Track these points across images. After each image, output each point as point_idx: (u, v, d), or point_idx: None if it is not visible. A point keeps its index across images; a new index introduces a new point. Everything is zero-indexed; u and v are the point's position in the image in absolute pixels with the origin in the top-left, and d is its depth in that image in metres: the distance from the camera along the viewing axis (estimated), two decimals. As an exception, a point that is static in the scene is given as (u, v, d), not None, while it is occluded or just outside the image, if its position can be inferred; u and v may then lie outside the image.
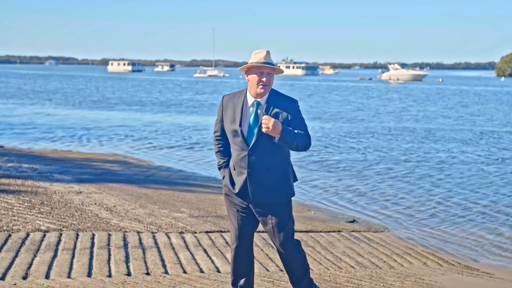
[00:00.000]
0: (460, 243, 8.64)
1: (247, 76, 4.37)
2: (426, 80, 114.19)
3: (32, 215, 7.34)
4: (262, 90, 4.31)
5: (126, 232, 6.98)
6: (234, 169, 4.42)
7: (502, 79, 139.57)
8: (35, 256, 5.79)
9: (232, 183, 4.44)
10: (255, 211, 4.43)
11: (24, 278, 5.18)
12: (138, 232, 7.05)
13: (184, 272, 5.76)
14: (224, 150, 4.56)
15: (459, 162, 16.05)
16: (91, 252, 6.06)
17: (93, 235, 6.71)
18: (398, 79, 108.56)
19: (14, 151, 15.06)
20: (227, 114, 4.42)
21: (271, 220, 4.41)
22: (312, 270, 6.27)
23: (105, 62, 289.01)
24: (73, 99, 42.93)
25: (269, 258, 6.52)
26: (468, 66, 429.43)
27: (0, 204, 7.77)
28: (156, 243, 6.65)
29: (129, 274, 5.53)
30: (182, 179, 12.37)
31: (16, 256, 5.72)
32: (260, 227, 4.28)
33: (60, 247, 6.15)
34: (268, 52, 4.33)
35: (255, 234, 7.31)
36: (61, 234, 6.60)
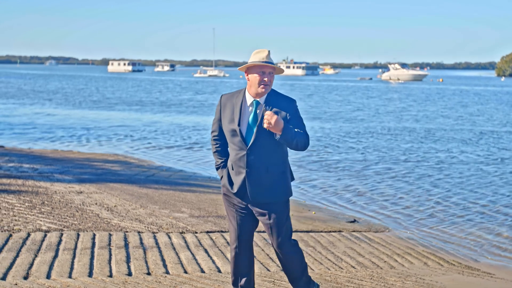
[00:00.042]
0: (461, 243, 8.65)
1: (247, 75, 4.35)
2: (427, 80, 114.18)
3: (33, 215, 7.35)
4: (263, 90, 4.31)
5: (127, 232, 6.98)
6: (233, 169, 4.40)
7: (503, 79, 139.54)
8: (36, 256, 5.79)
9: (231, 183, 4.43)
10: (254, 210, 4.43)
11: (25, 278, 5.19)
12: (139, 232, 7.05)
13: (185, 272, 5.77)
14: (222, 150, 4.55)
15: (458, 162, 16.05)
16: (92, 252, 6.07)
17: (94, 235, 6.72)
18: (398, 79, 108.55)
19: (14, 151, 15.06)
20: (225, 113, 4.41)
21: (269, 220, 4.39)
22: (313, 270, 6.28)
23: (105, 62, 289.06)
24: (73, 99, 42.94)
25: (270, 258, 6.53)
26: (468, 66, 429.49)
27: (1, 204, 7.77)
28: (157, 243, 6.65)
29: (130, 274, 5.53)
30: (183, 179, 12.38)
31: (17, 256, 5.73)
32: (260, 227, 4.28)
33: (61, 247, 6.16)
34: (269, 52, 4.34)
35: (256, 234, 7.32)
36: (62, 234, 6.60)
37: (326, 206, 10.69)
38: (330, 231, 8.35)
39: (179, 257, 6.21)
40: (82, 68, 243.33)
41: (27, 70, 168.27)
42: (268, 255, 6.64)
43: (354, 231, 8.56)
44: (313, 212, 9.89)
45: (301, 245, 7.31)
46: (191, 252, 6.44)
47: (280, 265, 4.65)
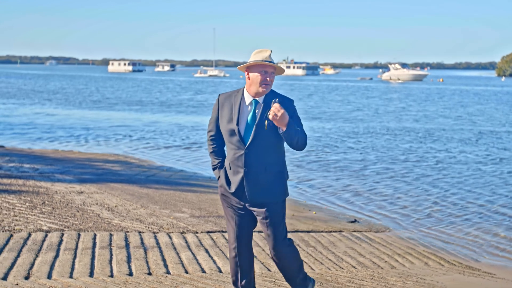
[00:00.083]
0: (461, 243, 8.65)
1: (248, 74, 4.34)
2: (427, 80, 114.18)
3: (34, 215, 7.35)
4: (265, 89, 4.30)
5: (128, 232, 6.99)
6: (230, 168, 4.38)
7: (503, 79, 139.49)
8: (37, 256, 5.79)
9: (228, 182, 4.41)
10: (251, 210, 4.42)
11: (26, 278, 5.19)
12: (139, 232, 7.06)
13: (186, 272, 5.77)
14: (219, 150, 4.52)
15: (457, 162, 16.05)
16: (93, 252, 6.07)
17: (95, 235, 6.72)
18: (398, 79, 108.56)
19: (15, 151, 15.06)
20: (223, 113, 4.39)
21: (266, 220, 4.38)
22: (313, 270, 6.29)
23: (105, 62, 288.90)
24: (73, 99, 42.94)
25: (271, 258, 6.53)
26: (468, 66, 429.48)
27: (2, 204, 7.78)
28: (157, 243, 6.66)
29: (131, 274, 5.54)
30: (183, 179, 12.38)
31: (18, 256, 5.73)
32: (258, 227, 4.27)
33: (62, 247, 6.16)
34: (271, 52, 4.34)
35: (257, 234, 7.33)
36: (63, 234, 6.61)
37: (327, 206, 10.69)
38: (330, 231, 8.35)
39: (180, 257, 6.21)
40: (83, 68, 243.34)
41: (27, 70, 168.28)
42: (268, 255, 6.64)
43: (354, 231, 8.57)
44: (314, 212, 9.90)
45: (301, 245, 7.32)
46: (192, 252, 6.44)
47: (275, 265, 4.63)
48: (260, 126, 4.26)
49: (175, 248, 6.53)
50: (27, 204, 7.94)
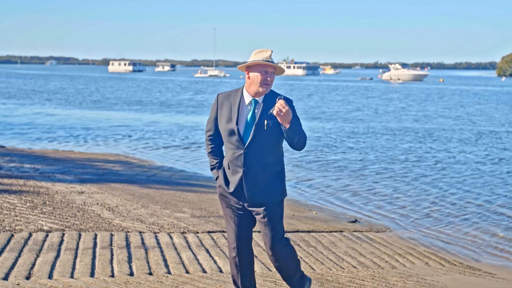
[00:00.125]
0: (462, 243, 8.65)
1: (248, 73, 4.33)
2: (427, 80, 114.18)
3: (35, 215, 7.36)
4: (265, 89, 4.30)
5: (129, 232, 6.99)
6: (229, 168, 4.37)
7: (503, 79, 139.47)
8: (38, 256, 5.80)
9: (227, 182, 4.39)
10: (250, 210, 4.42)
11: (27, 278, 5.20)
12: (140, 232, 7.06)
13: (187, 272, 5.77)
14: (217, 150, 4.51)
15: (457, 162, 16.06)
16: (94, 252, 6.08)
17: (96, 235, 6.72)
18: (399, 79, 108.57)
19: (15, 151, 15.07)
20: (222, 112, 4.38)
21: (264, 219, 4.38)
22: (314, 270, 6.29)
23: (105, 62, 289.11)
24: (73, 99, 42.95)
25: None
26: (469, 66, 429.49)
27: (2, 204, 7.78)
28: (158, 243, 6.66)
29: (131, 274, 5.54)
30: (184, 179, 12.39)
31: (19, 256, 5.74)
32: (257, 226, 4.27)
33: (63, 247, 6.17)
34: (271, 52, 4.34)
35: (257, 234, 7.32)
36: (63, 234, 6.61)
37: (328, 206, 10.69)
38: (331, 231, 8.36)
39: (180, 257, 6.22)
40: (83, 68, 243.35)
41: (27, 70, 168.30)
42: (269, 255, 6.65)
43: (355, 231, 8.57)
44: (314, 212, 9.90)
45: (302, 245, 7.33)
46: (192, 252, 6.45)
47: (273, 265, 4.63)
48: (260, 125, 4.26)
49: (176, 248, 6.53)
50: (28, 204, 7.94)
